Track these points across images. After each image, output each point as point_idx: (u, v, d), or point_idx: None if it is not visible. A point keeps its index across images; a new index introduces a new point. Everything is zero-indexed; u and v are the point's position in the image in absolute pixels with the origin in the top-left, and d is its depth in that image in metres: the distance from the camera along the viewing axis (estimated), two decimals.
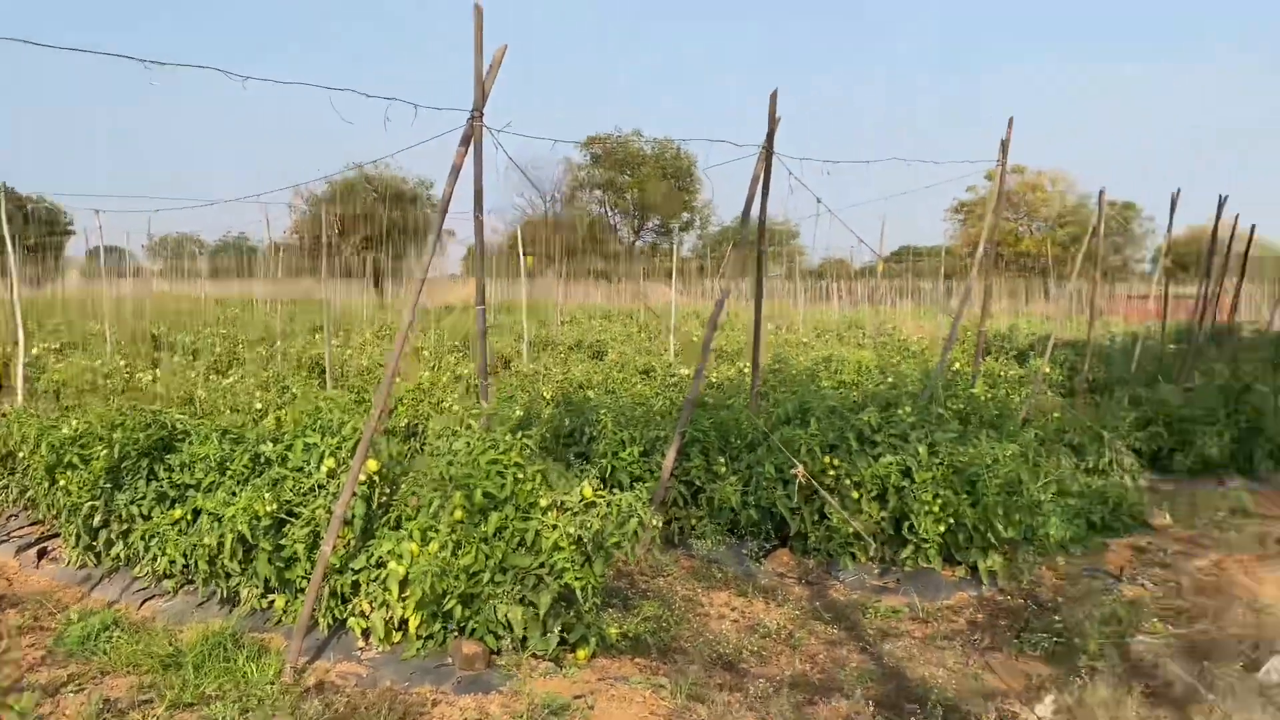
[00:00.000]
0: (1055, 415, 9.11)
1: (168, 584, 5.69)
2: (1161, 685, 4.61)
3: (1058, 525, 6.88)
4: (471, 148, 5.27)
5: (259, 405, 8.58)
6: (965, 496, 6.27)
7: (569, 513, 4.98)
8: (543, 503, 4.96)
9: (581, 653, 4.88)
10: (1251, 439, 9.77)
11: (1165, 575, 6.66)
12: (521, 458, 5.10)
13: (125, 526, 5.85)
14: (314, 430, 5.75)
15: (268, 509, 5.13)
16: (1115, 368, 12.83)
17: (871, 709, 4.51)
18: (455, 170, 5.11)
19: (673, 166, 44.64)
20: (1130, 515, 7.83)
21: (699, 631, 5.48)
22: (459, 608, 4.78)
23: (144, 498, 5.81)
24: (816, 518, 6.55)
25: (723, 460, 7.03)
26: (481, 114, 5.28)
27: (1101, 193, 11.53)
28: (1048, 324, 14.43)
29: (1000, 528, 6.19)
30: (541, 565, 4.78)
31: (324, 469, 5.41)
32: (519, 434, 5.28)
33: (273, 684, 4.56)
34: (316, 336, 14.93)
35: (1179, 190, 12.05)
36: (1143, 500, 8.12)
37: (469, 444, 5.18)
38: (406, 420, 8.33)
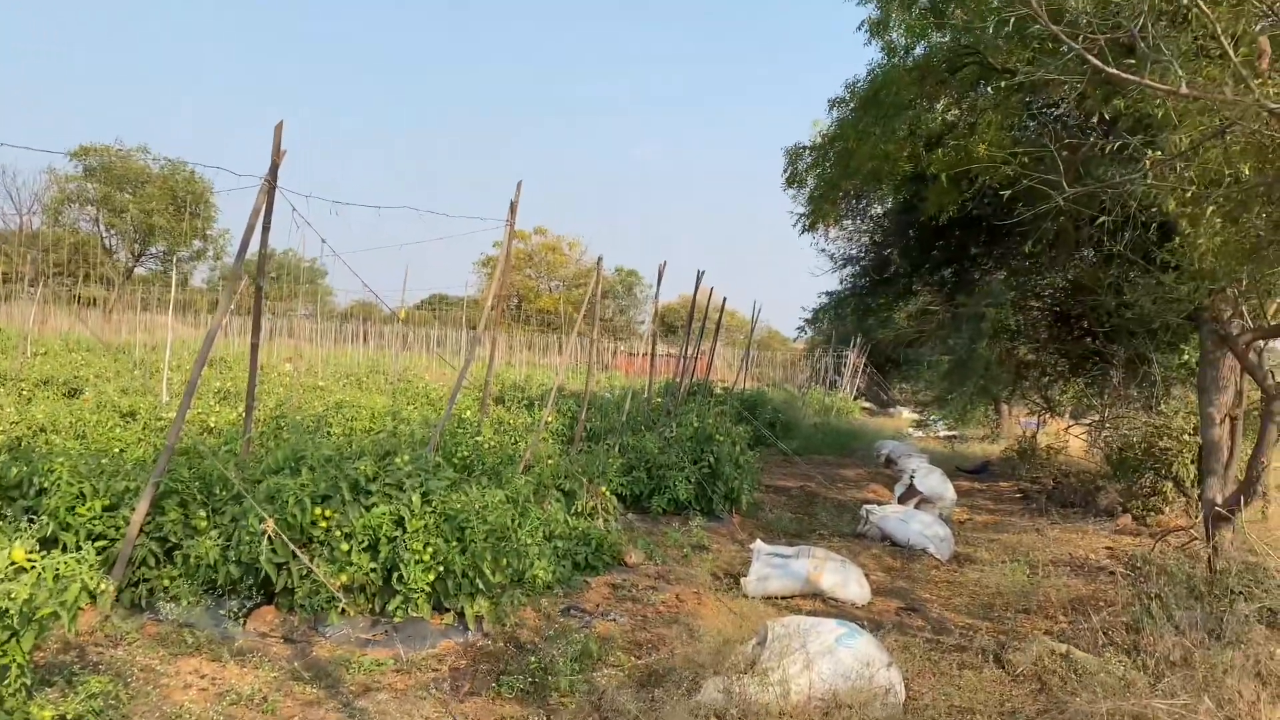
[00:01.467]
0: (551, 461, 9.71)
1: None
2: (615, 716, 5.04)
3: (545, 568, 7.28)
4: None
5: None
6: (456, 544, 6.38)
7: None
8: None
9: None
10: (712, 483, 11.23)
11: (635, 609, 7.34)
12: None
13: None
14: None
15: None
16: (609, 418, 14.06)
17: None
18: None
19: (185, 190, 40.85)
20: (610, 554, 8.53)
21: (157, 705, 4.93)
22: None
23: None
24: (304, 572, 6.26)
25: (204, 514, 6.46)
26: None
27: (599, 259, 12.83)
28: (560, 375, 15.55)
29: (488, 573, 6.39)
30: None
31: None
32: None
33: None
34: None
35: (665, 262, 13.71)
36: (621, 540, 8.91)
37: None
38: None
